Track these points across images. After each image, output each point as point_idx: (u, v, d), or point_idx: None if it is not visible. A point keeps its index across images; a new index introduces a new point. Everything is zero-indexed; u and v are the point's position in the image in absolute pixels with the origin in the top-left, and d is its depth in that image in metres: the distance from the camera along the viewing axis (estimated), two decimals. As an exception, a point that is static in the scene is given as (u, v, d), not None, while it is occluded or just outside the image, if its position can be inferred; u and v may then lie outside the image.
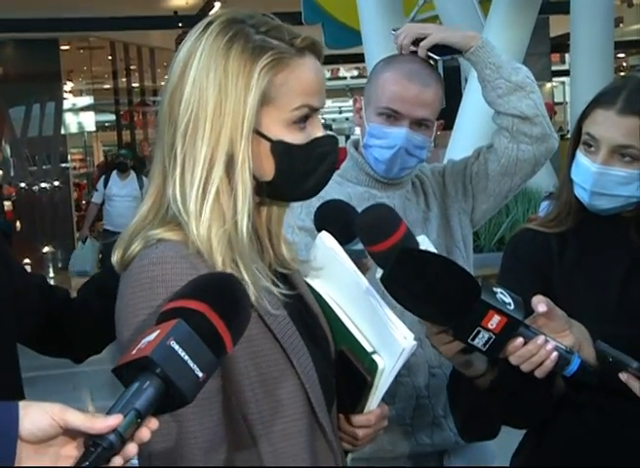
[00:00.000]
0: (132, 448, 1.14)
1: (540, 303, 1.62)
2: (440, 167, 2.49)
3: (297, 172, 1.48)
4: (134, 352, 1.19)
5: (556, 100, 15.71)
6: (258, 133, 1.44)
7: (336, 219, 1.74)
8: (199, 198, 1.41)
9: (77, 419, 1.12)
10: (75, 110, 18.54)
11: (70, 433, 1.13)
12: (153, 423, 1.17)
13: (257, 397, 1.40)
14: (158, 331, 1.20)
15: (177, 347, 1.18)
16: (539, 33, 8.02)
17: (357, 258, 1.67)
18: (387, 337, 1.51)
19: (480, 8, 6.12)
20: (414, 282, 1.53)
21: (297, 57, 1.46)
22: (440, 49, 2.31)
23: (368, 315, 1.55)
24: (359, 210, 1.75)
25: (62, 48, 15.43)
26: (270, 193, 1.49)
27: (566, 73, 14.16)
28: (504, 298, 1.56)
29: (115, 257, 1.46)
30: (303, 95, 1.46)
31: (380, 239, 1.64)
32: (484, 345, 1.56)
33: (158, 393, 1.17)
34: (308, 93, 1.46)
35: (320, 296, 1.62)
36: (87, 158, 19.12)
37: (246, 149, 1.42)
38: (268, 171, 1.46)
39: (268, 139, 1.45)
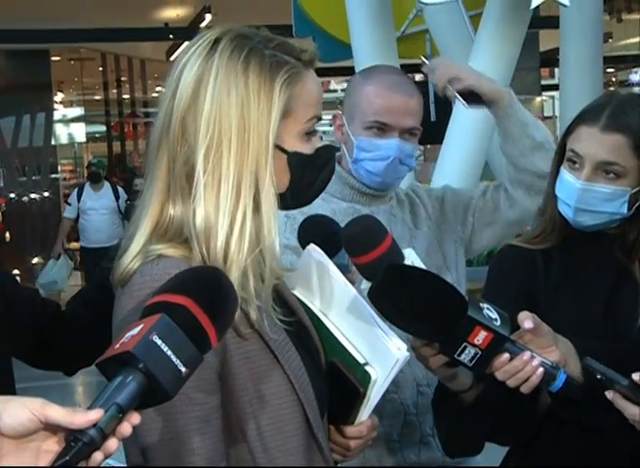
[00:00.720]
0: (113, 444, 1.13)
1: (527, 319, 1.63)
2: (438, 192, 2.51)
3: (304, 181, 1.52)
4: (117, 346, 1.19)
5: (545, 115, 15.75)
6: (277, 147, 1.47)
7: (318, 234, 1.74)
8: (227, 218, 1.42)
9: (57, 414, 1.11)
10: (66, 121, 18.52)
11: (51, 428, 1.12)
12: (135, 418, 1.16)
13: (255, 413, 1.41)
14: (141, 326, 1.20)
15: (159, 342, 1.18)
16: (528, 48, 8.05)
17: (342, 272, 1.68)
18: (380, 348, 1.51)
19: (470, 22, 6.13)
20: (400, 297, 1.53)
21: (305, 70, 1.50)
22: (469, 93, 2.32)
23: (359, 326, 1.55)
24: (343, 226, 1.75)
25: (53, 59, 15.42)
26: (280, 204, 1.50)
27: (555, 88, 14.17)
28: (491, 314, 1.56)
29: (114, 275, 1.45)
30: (314, 106, 1.51)
31: (365, 250, 1.64)
32: (470, 361, 1.57)
33: (140, 388, 1.16)
34: (316, 104, 1.52)
35: (310, 310, 1.62)
36: (77, 169, 19.07)
37: (271, 165, 1.44)
38: (284, 182, 1.50)
39: (285, 152, 1.48)
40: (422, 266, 1.72)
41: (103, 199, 10.12)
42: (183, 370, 1.19)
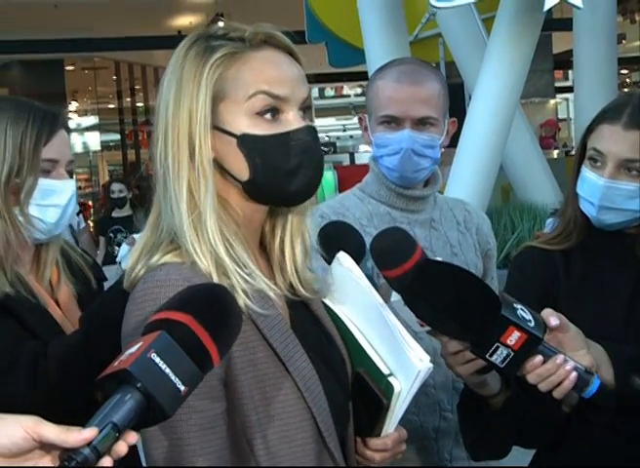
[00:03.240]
0: (107, 463, 1.10)
1: (552, 316, 1.59)
2: (492, 247, 2.41)
3: (276, 167, 1.44)
4: (116, 364, 1.17)
5: (560, 117, 15.70)
6: (220, 129, 1.44)
7: (339, 242, 1.71)
8: (177, 199, 1.43)
9: (51, 433, 1.09)
10: (80, 130, 18.58)
11: (46, 447, 1.10)
12: (132, 437, 1.13)
13: (261, 421, 1.38)
14: (140, 343, 1.18)
15: (158, 360, 1.16)
16: (542, 50, 8.03)
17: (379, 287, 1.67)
18: (403, 359, 1.48)
19: (483, 25, 6.12)
20: (434, 294, 1.51)
21: (250, 50, 1.45)
22: None
23: (384, 336, 1.53)
24: (377, 231, 1.74)
25: (67, 68, 15.51)
26: (258, 194, 1.47)
27: (569, 90, 14.16)
28: (525, 315, 1.53)
29: (125, 282, 1.46)
30: (258, 82, 1.43)
31: (396, 264, 1.62)
32: (502, 362, 1.53)
33: (138, 406, 1.14)
34: (264, 81, 1.43)
35: (337, 318, 1.60)
36: (92, 178, 19.12)
37: (204, 146, 1.42)
38: (242, 168, 1.45)
39: (232, 135, 1.44)
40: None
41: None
42: (182, 388, 1.17)
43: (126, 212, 8.58)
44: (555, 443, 1.90)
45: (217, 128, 1.44)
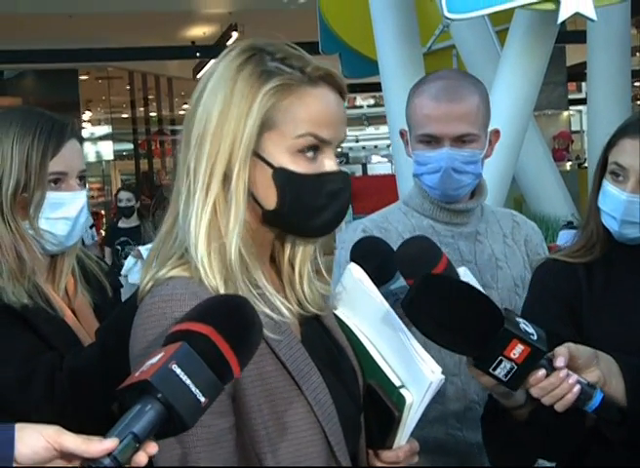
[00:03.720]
0: None
1: (559, 357, 1.58)
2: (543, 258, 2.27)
3: (303, 205, 1.44)
4: (137, 374, 1.18)
5: (573, 129, 15.67)
6: (259, 157, 1.42)
7: (372, 259, 1.70)
8: (198, 216, 1.41)
9: (72, 443, 1.10)
10: (94, 139, 18.66)
11: (67, 456, 1.11)
12: (152, 448, 1.15)
13: (270, 435, 1.37)
14: (161, 354, 1.19)
15: (178, 371, 1.16)
16: (555, 62, 8.02)
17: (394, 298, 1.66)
18: (415, 371, 1.48)
19: (497, 37, 6.12)
20: (436, 308, 1.51)
21: (307, 85, 1.44)
22: None
23: (396, 348, 1.52)
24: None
25: (81, 78, 15.58)
26: (277, 224, 1.47)
27: (582, 102, 14.14)
28: (527, 328, 1.54)
29: (140, 288, 1.45)
30: (309, 123, 1.43)
31: (420, 273, 1.62)
32: (505, 375, 1.53)
33: (158, 417, 1.14)
34: (316, 122, 1.43)
35: (349, 329, 1.59)
36: (105, 187, 19.18)
37: (242, 170, 1.41)
38: (271, 199, 1.44)
39: (270, 166, 1.43)
40: (478, 286, 1.70)
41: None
42: (203, 399, 1.17)
43: (134, 222, 8.28)
44: (577, 457, 1.88)
45: (257, 154, 1.42)
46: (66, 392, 1.84)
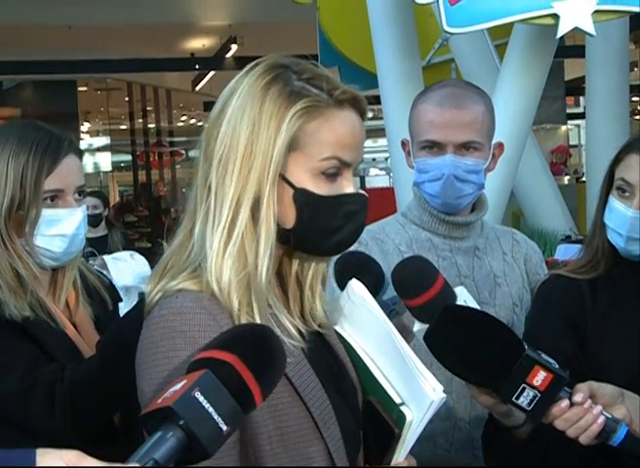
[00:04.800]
0: None
1: (578, 393, 1.56)
2: (542, 278, 2.27)
3: (320, 225, 1.44)
4: (159, 401, 1.17)
5: (571, 143, 15.69)
6: (282, 177, 1.42)
7: (355, 272, 1.68)
8: (224, 237, 1.40)
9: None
10: (92, 150, 18.66)
11: None
12: None
13: (274, 451, 1.37)
14: (185, 382, 1.18)
15: (201, 398, 1.16)
16: (554, 76, 8.03)
17: (400, 324, 1.66)
18: (416, 389, 1.47)
19: (496, 51, 6.13)
20: (457, 339, 1.50)
21: (334, 108, 1.44)
22: None
23: (397, 365, 1.51)
24: (417, 257, 1.72)
25: (80, 89, 15.59)
26: (292, 242, 1.46)
27: (581, 116, 14.17)
28: (548, 358, 1.52)
29: (147, 299, 1.45)
30: (335, 146, 1.43)
31: (417, 293, 1.62)
32: (529, 404, 1.52)
33: (180, 444, 1.14)
34: (340, 145, 1.43)
35: (349, 346, 1.59)
36: (102, 198, 19.17)
37: (272, 193, 1.40)
38: (289, 218, 1.43)
39: (292, 186, 1.42)
40: (475, 305, 1.69)
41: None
42: (225, 428, 1.17)
43: (100, 231, 7.34)
44: None
45: (280, 175, 1.42)
46: (66, 404, 1.84)
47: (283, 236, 1.45)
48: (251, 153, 1.41)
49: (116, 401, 1.88)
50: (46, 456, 1.10)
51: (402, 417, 1.49)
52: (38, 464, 1.09)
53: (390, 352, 1.53)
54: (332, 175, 1.44)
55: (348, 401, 1.53)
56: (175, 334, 1.34)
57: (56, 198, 1.99)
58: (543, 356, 1.52)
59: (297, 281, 1.54)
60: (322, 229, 1.45)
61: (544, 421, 1.57)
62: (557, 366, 1.52)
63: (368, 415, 1.55)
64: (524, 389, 1.51)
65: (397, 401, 1.50)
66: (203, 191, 1.45)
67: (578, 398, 1.55)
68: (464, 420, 2.18)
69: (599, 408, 1.55)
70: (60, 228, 2.00)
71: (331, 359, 1.55)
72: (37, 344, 1.91)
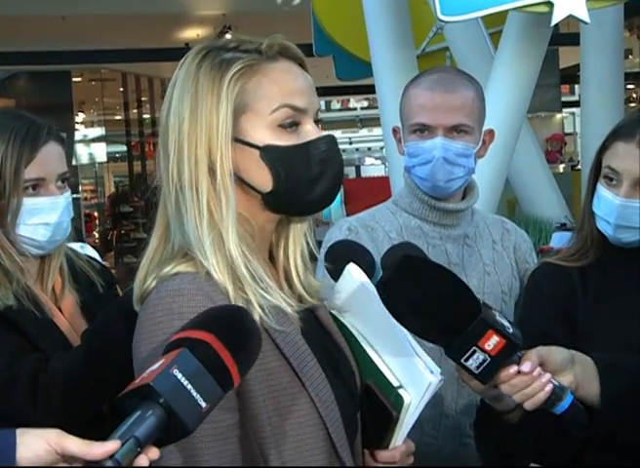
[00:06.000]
0: None
1: (525, 362, 1.55)
2: (531, 267, 2.29)
3: (298, 177, 1.45)
4: (137, 380, 1.19)
5: (566, 131, 15.70)
6: (242, 142, 1.43)
7: (347, 260, 1.69)
8: (196, 217, 1.42)
9: (74, 445, 1.11)
10: (87, 141, 18.64)
11: (69, 459, 1.12)
12: (154, 452, 1.16)
13: (274, 431, 1.38)
14: (162, 361, 1.20)
15: (180, 376, 1.17)
16: (548, 65, 8.02)
17: None
18: (414, 372, 1.48)
19: (490, 40, 6.12)
20: (412, 289, 1.48)
21: (267, 62, 1.46)
22: None
23: (394, 348, 1.52)
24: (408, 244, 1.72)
25: (74, 80, 15.54)
26: (279, 205, 1.47)
27: (575, 104, 14.16)
28: (503, 322, 1.51)
29: (134, 296, 1.46)
30: (281, 96, 1.44)
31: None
32: (477, 367, 1.51)
33: (160, 422, 1.15)
34: (286, 93, 1.45)
35: (347, 329, 1.60)
36: (98, 189, 19.15)
37: (225, 161, 1.42)
38: (265, 180, 1.45)
39: (255, 147, 1.44)
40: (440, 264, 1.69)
41: None
42: (204, 405, 1.18)
43: None
44: (571, 461, 1.88)
45: (237, 140, 1.43)
46: (51, 395, 1.84)
47: (267, 202, 1.47)
48: (195, 130, 1.43)
49: (101, 392, 1.87)
50: (26, 435, 1.12)
51: (400, 400, 1.49)
52: (19, 442, 1.10)
53: (387, 335, 1.53)
54: (291, 126, 1.46)
55: (346, 383, 1.54)
56: (173, 316, 1.35)
57: (37, 187, 1.99)
58: (501, 320, 1.51)
59: (286, 259, 1.55)
60: (302, 180, 1.46)
61: (490, 384, 1.56)
62: (511, 330, 1.50)
63: (366, 398, 1.56)
64: (474, 352, 1.49)
65: (395, 384, 1.52)
66: (167, 184, 1.47)
67: (525, 368, 1.54)
68: (451, 408, 2.19)
69: (548, 376, 1.55)
70: (43, 217, 2.00)
71: (327, 341, 1.56)
72: (21, 334, 1.91)
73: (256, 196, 1.47)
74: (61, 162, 2.07)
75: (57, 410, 1.84)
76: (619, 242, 1.93)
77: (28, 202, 1.97)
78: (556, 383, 1.57)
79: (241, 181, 1.46)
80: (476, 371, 1.52)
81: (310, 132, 1.47)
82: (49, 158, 2.02)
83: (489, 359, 1.50)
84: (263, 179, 1.46)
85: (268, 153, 1.44)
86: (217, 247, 1.41)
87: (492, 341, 1.49)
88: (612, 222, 1.90)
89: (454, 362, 1.55)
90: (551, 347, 1.63)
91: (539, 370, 1.55)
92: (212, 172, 1.43)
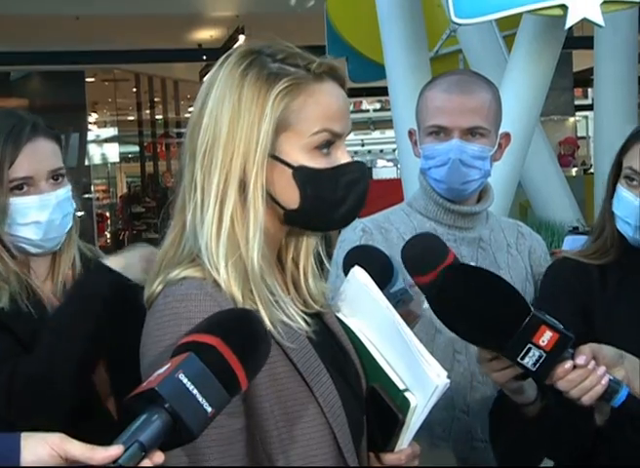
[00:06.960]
0: None
1: (580, 355, 1.57)
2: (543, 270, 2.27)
3: (325, 199, 1.45)
4: (144, 384, 1.18)
5: (579, 135, 15.66)
6: (277, 159, 1.43)
7: (368, 266, 1.67)
8: (215, 226, 1.41)
9: (77, 450, 1.11)
10: (99, 142, 18.68)
11: (72, 464, 1.11)
12: (158, 457, 1.15)
13: (282, 436, 1.37)
14: (169, 365, 1.19)
15: (185, 380, 1.17)
16: (562, 68, 8.01)
17: (406, 310, 1.66)
18: (420, 374, 1.48)
19: (504, 42, 6.11)
20: (463, 295, 1.51)
21: (314, 82, 1.45)
22: None
23: (400, 351, 1.52)
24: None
25: (88, 80, 15.56)
26: (300, 222, 1.48)
27: (589, 108, 14.14)
28: (551, 318, 1.53)
29: (145, 296, 1.46)
30: (323, 119, 1.44)
31: (427, 269, 1.62)
32: (534, 364, 1.52)
33: (165, 426, 1.15)
34: (328, 117, 1.45)
35: (352, 332, 1.59)
36: (110, 189, 19.19)
37: (259, 177, 1.41)
38: (293, 198, 1.45)
39: (289, 166, 1.43)
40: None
41: None
42: (209, 410, 1.18)
43: None
44: (582, 458, 1.88)
45: (273, 156, 1.42)
46: (21, 397, 1.83)
47: (289, 218, 1.47)
48: (233, 140, 1.42)
49: (65, 390, 1.85)
50: (30, 439, 1.12)
51: (406, 403, 1.49)
52: (22, 447, 1.10)
53: (393, 338, 1.53)
54: (325, 149, 1.46)
55: (353, 387, 1.54)
56: (180, 321, 1.35)
57: (26, 185, 1.98)
58: (548, 317, 1.53)
59: (295, 265, 1.56)
60: (327, 202, 1.46)
61: (547, 382, 1.57)
62: (562, 326, 1.53)
63: (372, 401, 1.55)
64: (530, 349, 1.51)
65: (401, 387, 1.51)
66: (190, 186, 1.46)
67: (580, 360, 1.56)
68: (463, 410, 2.19)
69: (603, 368, 1.57)
70: (33, 216, 1.98)
71: (334, 345, 1.56)
72: (12, 335, 1.90)
73: (278, 211, 1.47)
74: (53, 158, 2.04)
75: (24, 411, 1.83)
76: (639, 243, 1.93)
77: (18, 201, 1.96)
78: (611, 377, 1.58)
79: (267, 195, 1.46)
80: (533, 369, 1.53)
81: (341, 155, 1.48)
82: (36, 155, 1.99)
83: (545, 355, 1.52)
84: (291, 197, 1.46)
85: (301, 174, 1.44)
86: (230, 257, 1.41)
87: (545, 336, 1.51)
88: (632, 224, 1.90)
89: (496, 369, 1.56)
90: (602, 345, 1.64)
91: (593, 363, 1.57)
92: (242, 183, 1.42)
